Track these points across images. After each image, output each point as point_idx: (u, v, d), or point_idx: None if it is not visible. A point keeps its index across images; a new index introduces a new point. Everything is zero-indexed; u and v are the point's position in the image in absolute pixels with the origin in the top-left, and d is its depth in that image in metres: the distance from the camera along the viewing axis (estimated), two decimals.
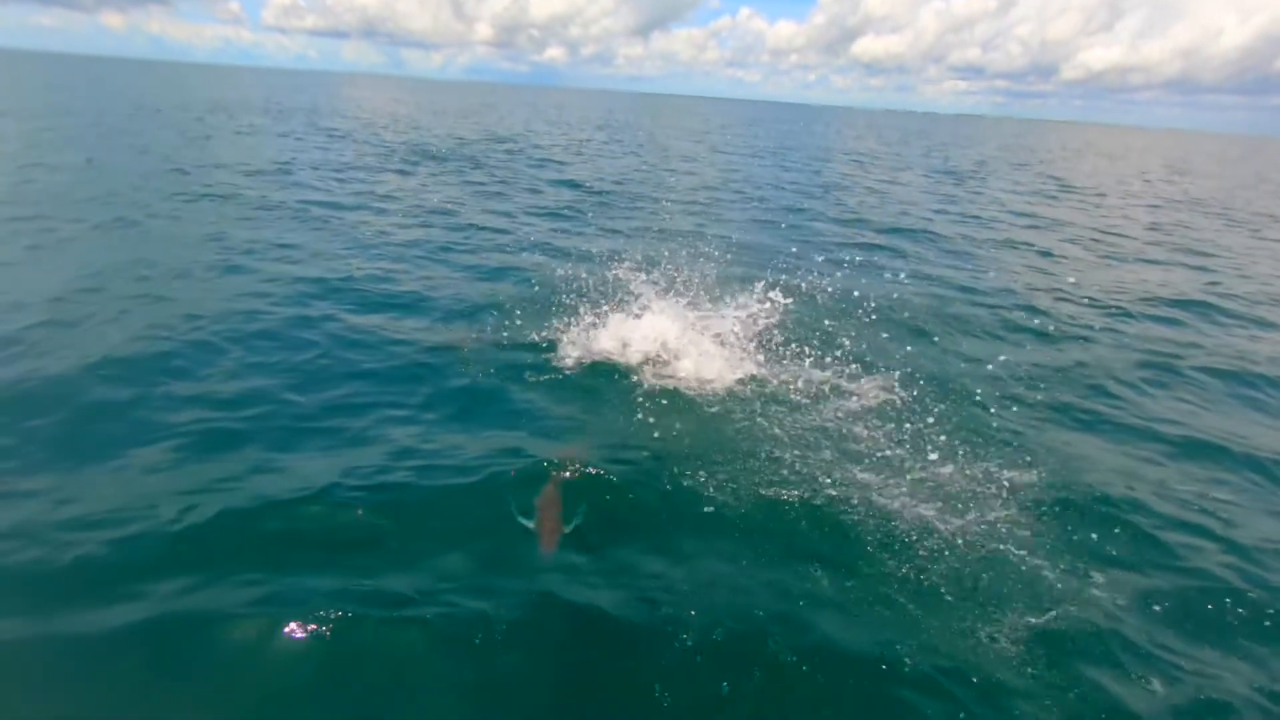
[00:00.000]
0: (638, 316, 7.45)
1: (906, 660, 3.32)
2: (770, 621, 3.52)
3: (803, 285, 9.83)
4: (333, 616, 3.35)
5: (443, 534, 4.07)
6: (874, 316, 8.53)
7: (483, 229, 12.51)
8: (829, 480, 4.61)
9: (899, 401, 5.87)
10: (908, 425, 5.44)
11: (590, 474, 4.66)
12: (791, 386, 5.96)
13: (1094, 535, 4.39)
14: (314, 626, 3.31)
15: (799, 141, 45.85)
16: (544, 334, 7.00)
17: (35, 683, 3.08)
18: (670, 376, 6.10)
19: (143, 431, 4.99)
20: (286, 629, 3.29)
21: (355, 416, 5.43)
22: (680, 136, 43.32)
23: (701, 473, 4.67)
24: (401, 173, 18.82)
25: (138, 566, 3.66)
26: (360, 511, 4.19)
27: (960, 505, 4.44)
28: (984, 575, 3.87)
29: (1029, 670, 3.33)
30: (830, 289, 9.67)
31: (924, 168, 31.70)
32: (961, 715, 3.10)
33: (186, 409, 5.33)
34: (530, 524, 4.05)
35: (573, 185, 18.63)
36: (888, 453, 5.01)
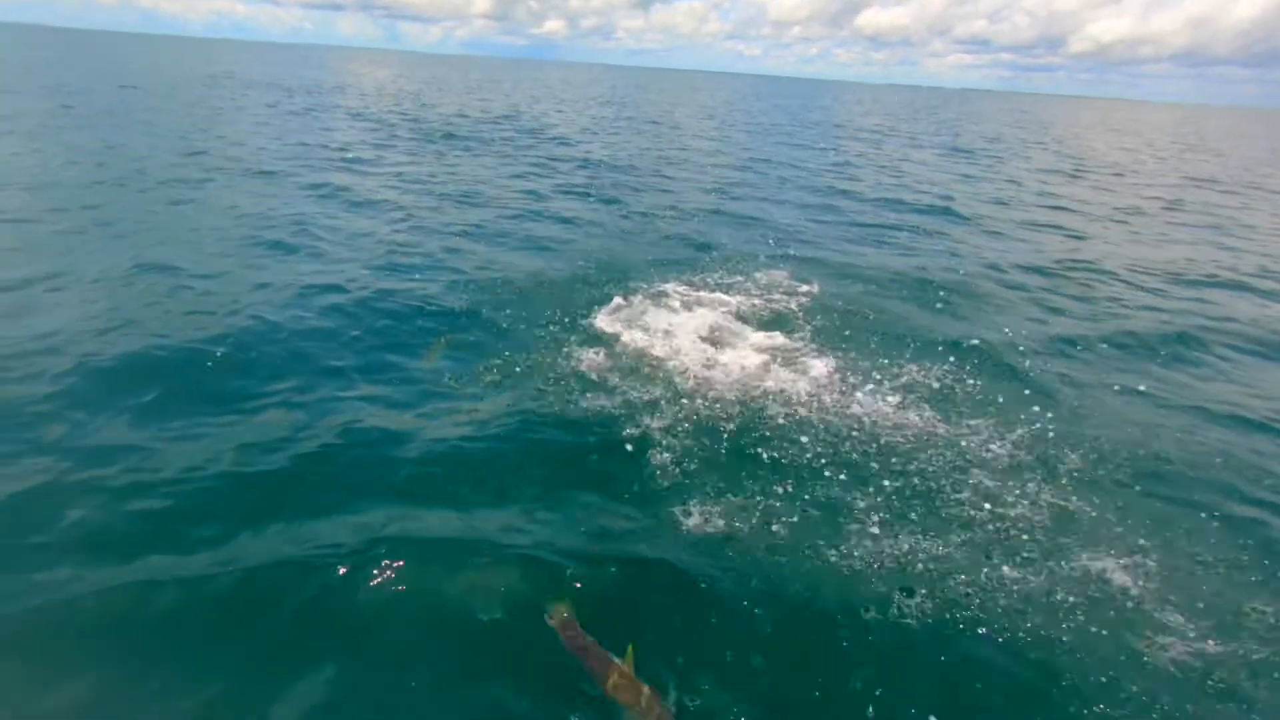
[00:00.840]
0: (675, 302, 7.52)
1: (980, 621, 3.48)
2: (840, 585, 3.68)
3: (836, 267, 9.90)
4: (417, 563, 3.65)
5: (513, 492, 4.38)
6: (909, 297, 8.62)
7: (511, 208, 12.51)
8: (885, 458, 4.75)
9: (946, 381, 5.98)
10: (957, 404, 5.57)
11: (649, 439, 4.85)
12: (837, 371, 6.03)
13: (1154, 507, 4.54)
14: (405, 571, 3.60)
15: (808, 118, 45.32)
16: (585, 315, 7.08)
17: (164, 622, 3.32)
18: (713, 361, 6.10)
19: (221, 401, 5.19)
20: (378, 573, 3.58)
21: (413, 385, 5.65)
22: (689, 114, 42.83)
23: (762, 451, 4.79)
24: (420, 151, 18.72)
25: (225, 518, 3.97)
26: (439, 470, 4.51)
27: (1020, 479, 4.61)
28: (1050, 545, 4.02)
29: (1099, 632, 3.48)
30: (863, 270, 9.75)
31: (938, 146, 31.40)
32: (1036, 672, 3.27)
33: (256, 380, 5.54)
34: None
35: (593, 163, 18.55)
36: (941, 431, 5.14)
